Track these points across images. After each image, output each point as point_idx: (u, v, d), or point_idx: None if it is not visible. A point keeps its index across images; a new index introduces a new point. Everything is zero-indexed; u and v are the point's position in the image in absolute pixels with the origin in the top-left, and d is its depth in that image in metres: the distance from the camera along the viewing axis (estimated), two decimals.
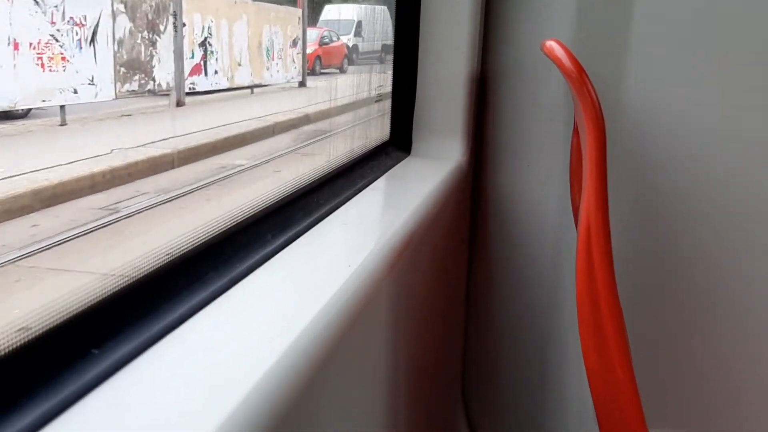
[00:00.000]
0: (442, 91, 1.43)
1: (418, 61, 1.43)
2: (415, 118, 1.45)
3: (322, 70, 8.54)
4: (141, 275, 0.63)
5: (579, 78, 0.87)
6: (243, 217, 0.83)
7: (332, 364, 0.65)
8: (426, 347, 1.22)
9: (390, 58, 1.51)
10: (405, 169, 1.36)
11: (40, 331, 0.52)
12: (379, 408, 0.92)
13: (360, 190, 1.11)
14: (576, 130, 1.25)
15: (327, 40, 8.45)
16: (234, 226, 0.80)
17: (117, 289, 0.60)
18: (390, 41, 1.54)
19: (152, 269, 0.64)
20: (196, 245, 0.72)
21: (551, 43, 0.97)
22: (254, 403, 0.51)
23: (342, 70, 8.00)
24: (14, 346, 0.49)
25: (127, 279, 0.61)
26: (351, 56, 7.96)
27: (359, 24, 8.09)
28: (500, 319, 1.58)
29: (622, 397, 0.80)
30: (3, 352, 0.48)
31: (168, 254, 0.66)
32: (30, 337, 0.51)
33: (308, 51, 8.16)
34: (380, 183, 1.21)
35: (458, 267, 1.51)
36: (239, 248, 0.76)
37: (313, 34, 8.22)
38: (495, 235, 1.54)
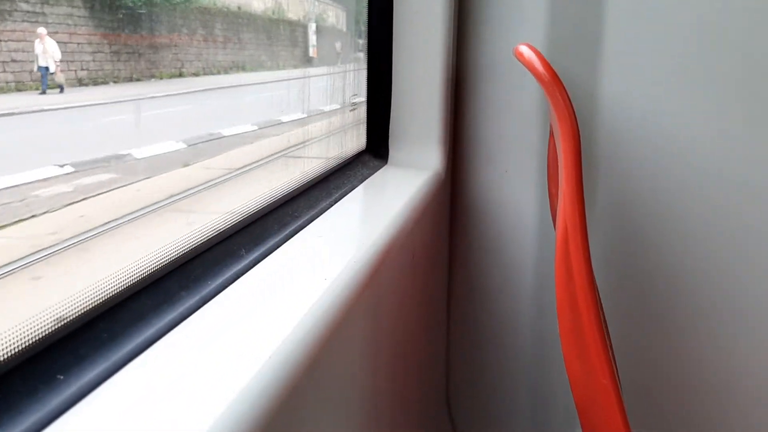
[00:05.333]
0: (417, 98, 1.42)
1: (392, 68, 1.42)
2: (392, 127, 1.44)
3: None
4: (107, 297, 0.61)
5: (552, 82, 0.87)
6: (214, 232, 0.81)
7: (310, 381, 0.64)
8: (408, 357, 1.21)
9: None
10: (382, 178, 1.35)
11: (3, 358, 0.51)
12: (362, 421, 0.91)
13: (336, 201, 1.10)
14: (552, 134, 1.25)
15: None
16: (205, 242, 0.79)
17: (83, 311, 0.58)
18: None
19: (119, 290, 0.62)
20: (164, 263, 0.70)
21: (523, 48, 0.96)
22: (228, 426, 0.49)
23: None
24: None
25: (93, 302, 0.59)
26: None
27: None
28: (483, 325, 1.57)
29: (605, 402, 0.79)
30: None
31: (135, 274, 0.65)
32: None
33: None
34: (357, 193, 1.20)
35: (438, 276, 1.50)
36: (210, 265, 0.75)
37: None
38: (475, 242, 1.54)
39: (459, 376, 1.62)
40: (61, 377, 0.51)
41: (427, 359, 1.43)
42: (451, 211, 1.53)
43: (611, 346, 1.03)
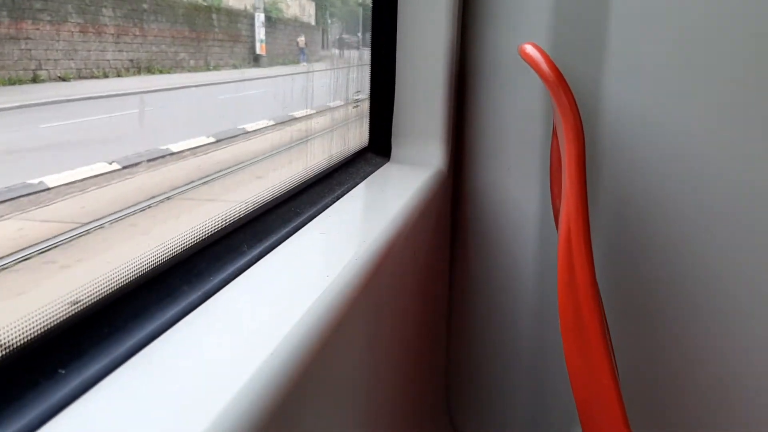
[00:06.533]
0: (420, 96, 1.42)
1: (395, 65, 1.42)
2: (394, 124, 1.44)
3: None
4: (110, 291, 0.61)
5: (556, 82, 0.87)
6: (217, 228, 0.81)
7: (310, 378, 0.64)
8: (408, 355, 1.21)
9: None
10: (384, 176, 1.35)
11: (4, 351, 0.51)
12: (361, 420, 0.91)
13: (339, 198, 1.10)
14: (555, 133, 1.25)
15: None
16: (207, 237, 0.79)
17: (85, 306, 0.58)
18: None
19: (121, 285, 0.62)
20: (166, 258, 0.70)
21: (528, 47, 0.96)
22: (229, 422, 0.49)
23: None
24: None
25: (95, 296, 0.59)
26: None
27: None
28: (483, 324, 1.57)
29: (605, 400, 0.79)
30: None
31: (137, 269, 0.65)
32: None
33: None
34: (359, 190, 1.20)
35: (439, 274, 1.50)
36: (213, 261, 0.75)
37: None
38: (476, 240, 1.54)
39: (459, 374, 1.62)
40: (63, 371, 0.51)
41: (427, 357, 1.43)
42: (452, 208, 1.53)
43: (611, 346, 1.03)
